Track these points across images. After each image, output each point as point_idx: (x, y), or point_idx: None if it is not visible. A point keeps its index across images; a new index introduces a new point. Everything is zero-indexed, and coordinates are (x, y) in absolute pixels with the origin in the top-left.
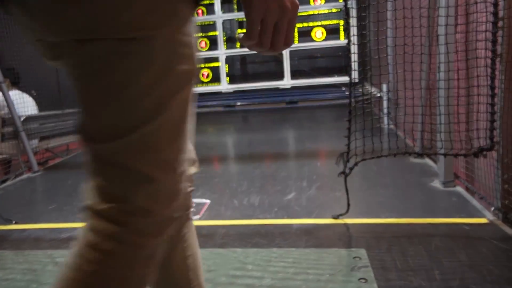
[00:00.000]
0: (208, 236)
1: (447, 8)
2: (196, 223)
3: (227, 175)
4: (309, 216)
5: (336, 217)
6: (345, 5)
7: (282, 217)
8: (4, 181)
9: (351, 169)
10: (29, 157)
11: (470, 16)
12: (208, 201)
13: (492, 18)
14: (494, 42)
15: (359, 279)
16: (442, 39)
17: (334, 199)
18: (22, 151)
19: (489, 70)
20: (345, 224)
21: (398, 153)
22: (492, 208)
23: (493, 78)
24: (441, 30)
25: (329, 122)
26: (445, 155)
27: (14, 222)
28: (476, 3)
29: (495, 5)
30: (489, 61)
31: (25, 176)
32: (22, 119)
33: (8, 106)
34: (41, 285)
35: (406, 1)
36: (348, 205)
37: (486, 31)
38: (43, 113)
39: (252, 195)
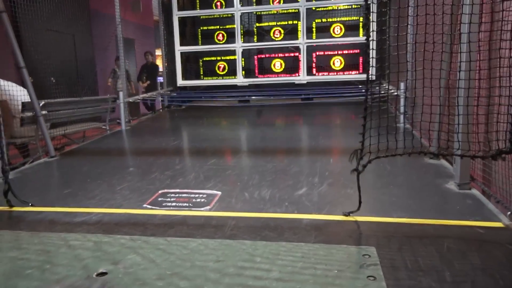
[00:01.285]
0: (217, 227)
1: (472, 6)
2: (206, 214)
3: (239, 168)
4: (319, 212)
5: (347, 214)
6: (366, 0)
7: (292, 212)
8: (22, 164)
9: (364, 166)
10: (46, 142)
11: (496, 15)
12: (219, 192)
13: None
14: None
15: (368, 276)
16: (464, 38)
17: (346, 196)
18: (40, 136)
19: None
20: (356, 222)
21: (413, 152)
22: (509, 213)
23: None
24: (464, 28)
25: (344, 119)
26: (461, 156)
27: (30, 204)
28: (503, 1)
29: None
30: None
31: (42, 160)
32: (41, 104)
33: (28, 91)
34: (54, 266)
35: (429, 6)
36: (360, 202)
37: (511, 30)
38: (60, 100)
39: (263, 189)
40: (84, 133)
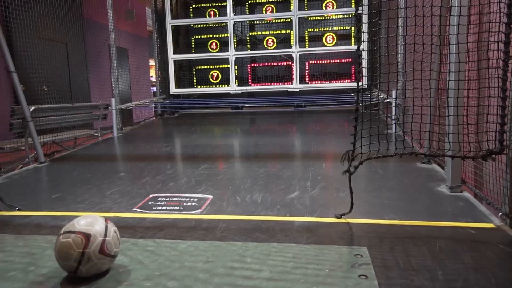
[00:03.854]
0: (208, 230)
1: (460, 8)
2: (197, 217)
3: (231, 173)
4: (311, 214)
5: (339, 216)
6: (356, 10)
7: (284, 215)
8: (11, 170)
9: (355, 167)
10: (36, 147)
11: (484, 17)
12: (210, 196)
13: (506, 19)
14: (507, 43)
15: (360, 275)
16: (453, 39)
17: (338, 199)
18: (30, 142)
19: (500, 72)
20: (348, 224)
21: (404, 153)
22: (500, 214)
23: (504, 80)
24: (453, 30)
25: (337, 126)
26: (452, 157)
27: (17, 208)
28: (490, 3)
29: (510, 6)
30: (501, 62)
31: (31, 166)
32: (31, 109)
33: (18, 96)
34: (39, 268)
35: (418, 8)
36: (352, 204)
37: (499, 32)
38: (51, 105)
39: (255, 193)
40: (75, 140)
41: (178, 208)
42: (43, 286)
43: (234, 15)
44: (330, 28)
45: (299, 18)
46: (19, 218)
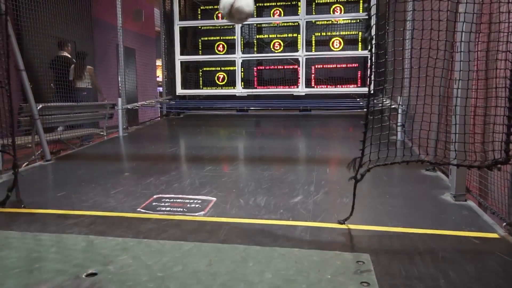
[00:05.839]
0: (211, 232)
1: (470, 15)
2: (200, 219)
3: (236, 176)
4: (314, 219)
5: (342, 222)
6: (368, 14)
7: (287, 219)
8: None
9: (362, 175)
10: (42, 145)
11: (493, 26)
12: (214, 198)
13: None
14: None
15: (361, 282)
16: (461, 46)
17: (342, 205)
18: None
19: (508, 82)
20: (351, 230)
21: (410, 160)
22: (504, 224)
23: None
24: (461, 37)
25: (341, 131)
26: (458, 165)
27: (22, 206)
28: (500, 13)
29: None
30: (508, 72)
31: (37, 164)
32: (38, 107)
33: (26, 94)
34: (43, 266)
35: (426, 13)
36: (353, 208)
37: (507, 42)
38: (58, 104)
39: (258, 196)
40: (81, 138)
41: (182, 209)
42: (47, 283)
43: None
44: (338, 33)
45: (306, 22)
46: (25, 216)
